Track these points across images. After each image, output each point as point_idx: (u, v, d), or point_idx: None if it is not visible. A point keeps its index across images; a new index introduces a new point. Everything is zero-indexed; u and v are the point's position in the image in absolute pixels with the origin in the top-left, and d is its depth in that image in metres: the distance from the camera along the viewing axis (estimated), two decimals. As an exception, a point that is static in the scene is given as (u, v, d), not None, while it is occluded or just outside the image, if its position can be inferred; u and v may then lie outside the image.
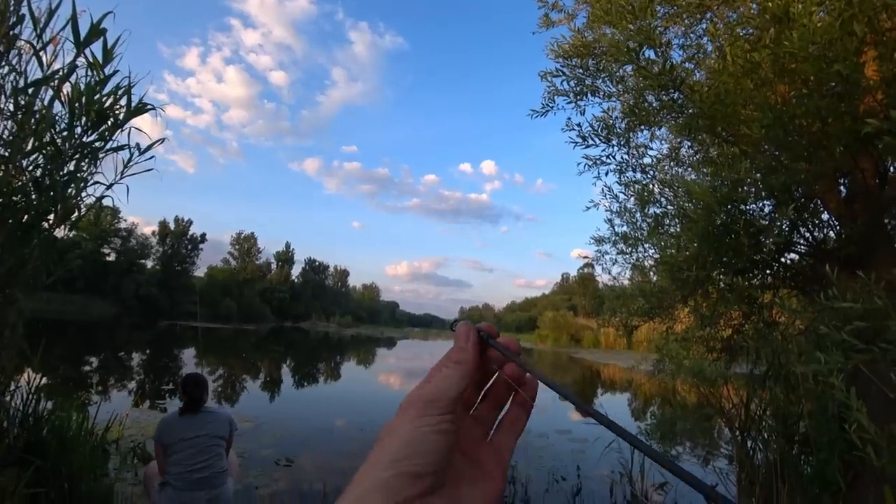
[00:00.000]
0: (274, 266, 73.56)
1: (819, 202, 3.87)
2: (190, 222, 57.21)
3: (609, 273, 4.78)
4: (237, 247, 68.78)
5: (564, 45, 4.59)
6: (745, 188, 3.64)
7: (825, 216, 3.89)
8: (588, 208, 4.95)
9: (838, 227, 3.82)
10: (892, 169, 3.73)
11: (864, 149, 3.29)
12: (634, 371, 18.85)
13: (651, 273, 4.53)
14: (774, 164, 3.65)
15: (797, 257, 3.93)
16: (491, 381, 0.42)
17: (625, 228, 4.68)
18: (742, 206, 3.67)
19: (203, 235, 58.34)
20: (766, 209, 3.93)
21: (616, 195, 4.80)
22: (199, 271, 59.56)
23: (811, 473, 2.83)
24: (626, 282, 4.91)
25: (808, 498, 2.83)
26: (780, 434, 3.17)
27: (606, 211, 4.82)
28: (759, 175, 3.44)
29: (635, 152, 4.77)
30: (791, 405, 3.17)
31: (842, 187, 3.86)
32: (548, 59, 4.87)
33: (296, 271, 78.37)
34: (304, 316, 70.45)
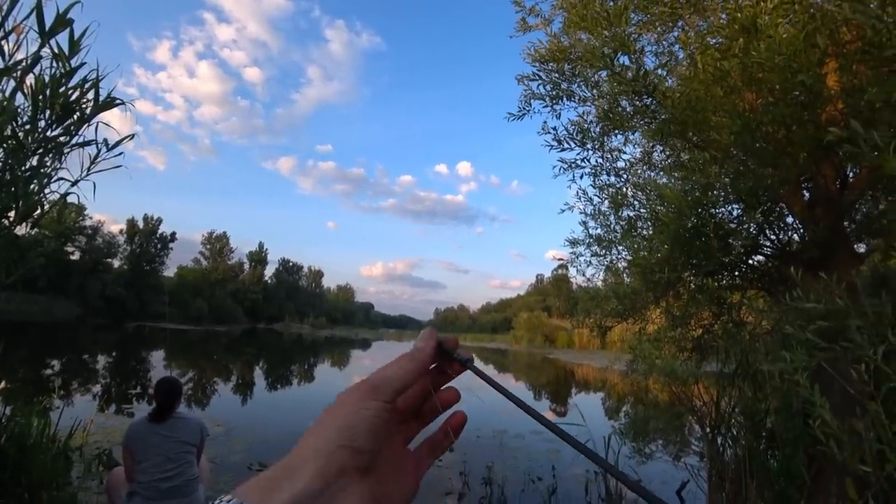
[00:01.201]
0: (247, 266, 72.26)
1: (784, 206, 4.01)
2: (159, 220, 55.79)
3: (583, 275, 4.84)
4: (209, 246, 67.27)
5: (541, 50, 4.65)
6: (715, 192, 3.75)
7: (790, 220, 4.04)
8: (563, 211, 5.02)
9: (802, 231, 3.97)
10: (851, 175, 3.89)
11: (826, 156, 3.42)
12: (608, 371, 19.16)
13: (624, 275, 4.61)
14: (742, 170, 3.76)
15: (764, 259, 4.07)
16: (431, 396, 0.45)
17: (599, 231, 4.75)
18: (712, 210, 3.77)
19: (173, 234, 56.91)
20: (735, 213, 4.05)
21: (590, 198, 4.87)
22: (169, 271, 58.10)
23: (777, 468, 2.93)
24: (600, 283, 4.99)
25: (775, 492, 2.92)
26: (748, 430, 3.27)
27: (581, 213, 4.89)
28: (727, 180, 3.54)
29: (609, 156, 4.84)
30: (758, 402, 3.27)
31: (805, 192, 4.01)
32: (524, 63, 4.92)
33: (269, 272, 77.25)
34: (277, 317, 69.36)
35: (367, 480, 0.35)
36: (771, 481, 2.97)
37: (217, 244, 67.62)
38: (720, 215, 4.04)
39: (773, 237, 3.95)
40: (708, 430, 3.48)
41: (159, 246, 55.82)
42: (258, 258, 73.75)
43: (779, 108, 3.21)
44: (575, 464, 4.99)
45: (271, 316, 68.83)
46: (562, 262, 4.58)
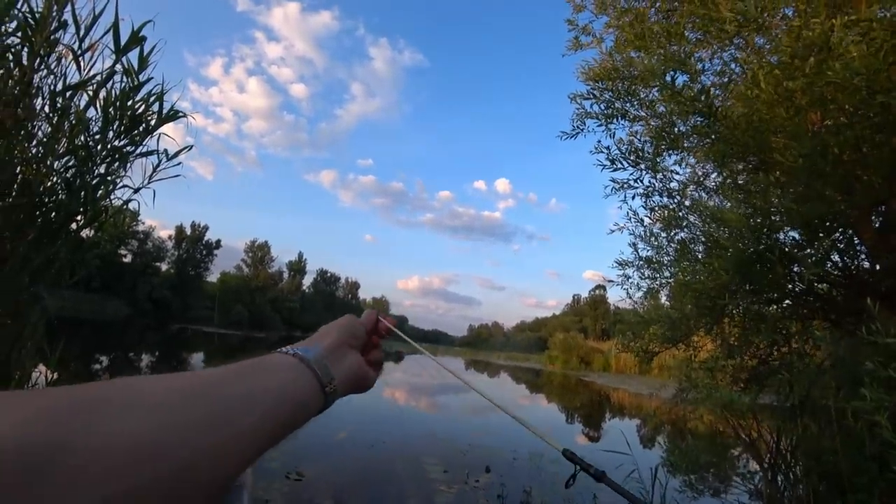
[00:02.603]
0: (286, 275, 73.94)
1: (853, 233, 3.79)
2: (206, 228, 57.91)
3: (630, 297, 4.70)
4: (250, 254, 69.25)
5: (595, 68, 4.61)
6: (777, 217, 3.58)
7: (859, 247, 3.81)
8: (612, 231, 4.90)
9: (872, 259, 3.73)
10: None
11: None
12: (651, 398, 18.49)
13: (676, 299, 4.45)
14: (808, 193, 3.58)
15: (828, 288, 3.84)
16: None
17: (649, 253, 4.62)
18: (775, 235, 3.60)
19: (218, 241, 58.98)
20: (797, 239, 3.86)
21: (641, 219, 4.76)
22: (213, 276, 60.11)
23: (847, 515, 2.72)
24: (645, 307, 4.83)
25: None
26: (812, 471, 3.06)
27: (631, 235, 4.77)
28: (792, 204, 3.37)
29: (663, 177, 4.71)
30: (825, 440, 3.06)
31: (877, 218, 3.78)
32: (574, 82, 4.88)
33: (307, 281, 78.82)
34: (313, 327, 68.15)
35: (358, 352, 0.66)
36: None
37: (258, 253, 69.57)
38: (783, 242, 3.86)
39: (840, 265, 3.73)
40: (766, 467, 3.27)
41: (204, 252, 57.93)
42: (297, 268, 75.43)
43: (852, 130, 3.05)
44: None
45: (308, 325, 69.98)
46: (611, 283, 4.46)
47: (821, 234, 3.65)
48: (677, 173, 4.85)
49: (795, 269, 3.14)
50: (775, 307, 3.46)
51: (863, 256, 3.69)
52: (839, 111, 3.22)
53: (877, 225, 3.72)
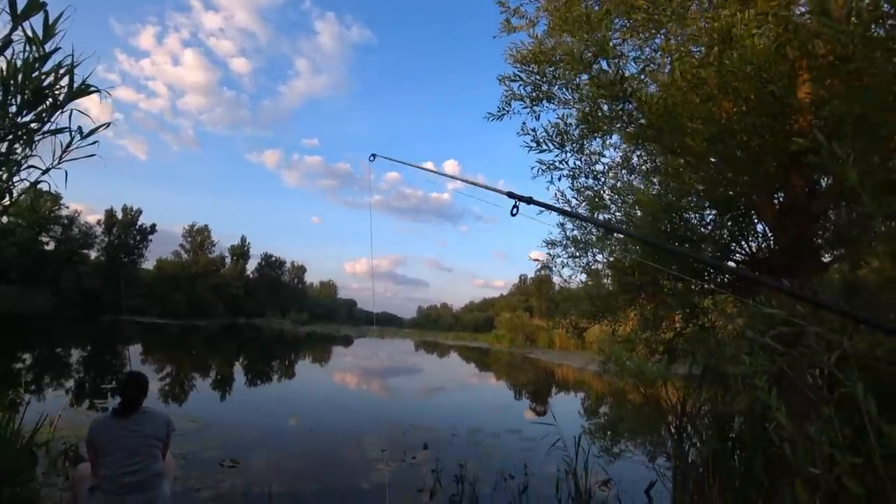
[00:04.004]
0: (228, 260, 71.19)
1: (757, 215, 4.09)
2: (139, 212, 54.59)
3: (560, 276, 4.88)
4: (189, 239, 66.02)
5: (523, 51, 4.66)
6: (689, 198, 3.80)
7: (762, 228, 4.12)
8: (541, 212, 5.05)
9: (774, 239, 4.05)
10: (821, 185, 3.98)
11: (796, 166, 3.50)
12: (584, 371, 19.35)
13: (600, 276, 4.66)
14: (717, 177, 3.82)
15: (735, 266, 4.14)
16: None
17: (576, 233, 4.79)
18: (685, 215, 3.82)
19: (153, 226, 55.74)
20: (710, 219, 4.11)
21: (568, 200, 4.91)
22: (148, 264, 56.99)
23: (739, 469, 2.99)
24: (579, 284, 5.03)
25: (735, 492, 2.98)
26: (713, 432, 3.33)
27: (558, 215, 4.93)
28: (700, 186, 3.59)
29: (588, 159, 4.87)
30: (724, 405, 3.33)
31: (778, 202, 4.10)
32: (508, 65, 4.93)
33: (251, 266, 76.27)
34: (258, 312, 68.39)
35: None
36: (733, 482, 3.04)
37: (198, 237, 66.44)
38: (694, 221, 4.11)
39: (745, 245, 4.02)
40: (674, 430, 3.54)
41: (138, 238, 54.72)
42: (240, 252, 72.71)
43: (751, 117, 3.27)
44: (547, 463, 5.01)
45: (252, 311, 67.91)
46: (537, 261, 4.61)
47: (727, 215, 3.92)
48: (604, 156, 5.03)
49: (702, 247, 3.35)
50: (685, 283, 3.70)
51: (763, 239, 3.97)
52: (742, 99, 3.44)
53: (777, 207, 4.03)
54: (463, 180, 2.32)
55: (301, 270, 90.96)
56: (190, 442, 6.00)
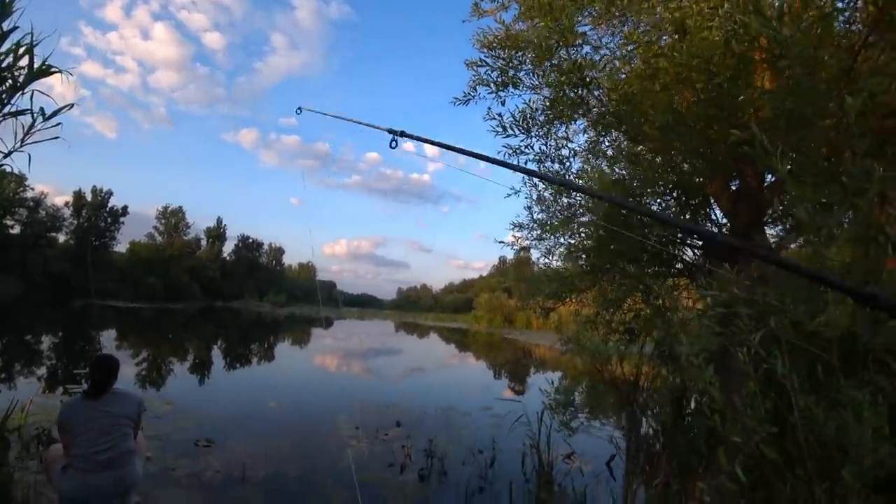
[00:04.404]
0: (204, 242, 70.00)
1: (715, 201, 4.27)
2: (109, 193, 53.12)
3: (531, 258, 5.01)
4: (163, 221, 64.61)
5: (489, 37, 4.71)
6: (649, 184, 3.94)
7: (719, 215, 4.30)
8: (509, 195, 5.17)
9: (728, 225, 4.24)
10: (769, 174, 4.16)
11: (746, 154, 3.66)
12: (551, 349, 19.80)
13: (563, 259, 4.81)
14: (674, 164, 3.97)
15: (693, 251, 4.33)
16: None
17: (542, 216, 4.91)
18: (644, 200, 3.98)
19: (125, 208, 54.36)
20: (666, 204, 4.27)
21: (535, 184, 5.02)
22: (121, 247, 55.70)
23: (684, 440, 3.20)
24: (551, 265, 5.19)
25: (681, 462, 3.20)
26: (663, 407, 3.55)
27: (527, 198, 5.05)
28: (656, 172, 3.73)
29: (555, 143, 4.97)
30: (674, 381, 3.54)
31: (732, 188, 4.28)
32: (475, 49, 4.97)
33: (228, 248, 75.17)
34: (236, 295, 67.68)
35: None
36: (679, 453, 3.26)
37: (172, 219, 65.07)
38: (654, 207, 4.27)
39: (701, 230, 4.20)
40: (627, 404, 3.75)
41: (109, 220, 53.34)
42: (216, 234, 71.53)
43: (703, 107, 3.40)
44: (514, 438, 5.22)
45: (229, 293, 67.15)
46: (503, 244, 4.73)
47: (682, 201, 4.10)
48: (571, 141, 5.14)
49: (647, 232, 3.51)
50: (639, 267, 3.87)
51: (718, 226, 4.13)
52: (696, 90, 3.58)
53: (731, 195, 4.21)
54: (347, 119, 2.76)
55: (279, 252, 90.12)
56: (164, 424, 6.06)
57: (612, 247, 3.69)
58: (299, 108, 2.93)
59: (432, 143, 1.75)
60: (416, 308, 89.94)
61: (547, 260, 5.11)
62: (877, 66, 3.14)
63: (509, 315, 41.77)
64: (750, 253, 3.04)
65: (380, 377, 12.89)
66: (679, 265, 4.22)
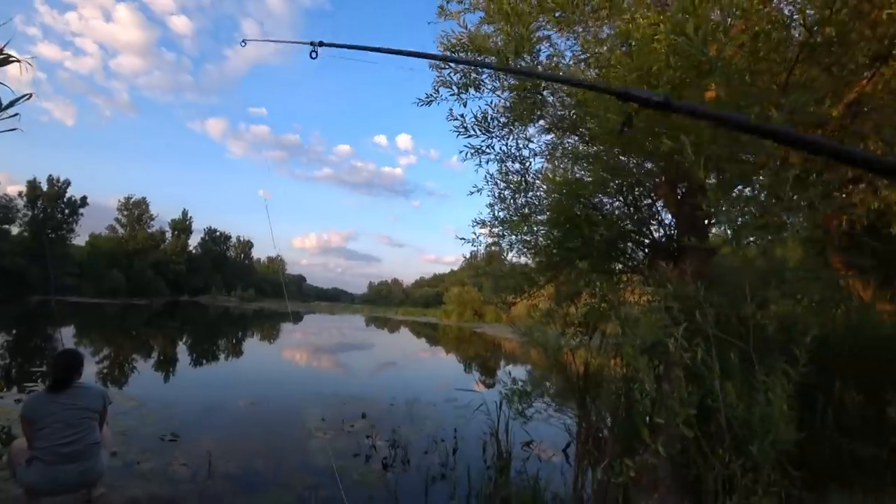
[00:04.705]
0: (169, 235, 68.16)
1: (662, 203, 4.54)
2: (67, 183, 51.01)
3: (476, 257, 5.20)
4: (126, 213, 62.53)
5: (452, 40, 4.87)
6: (595, 185, 4.17)
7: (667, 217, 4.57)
8: (472, 193, 5.36)
9: (675, 226, 4.51)
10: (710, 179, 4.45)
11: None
12: (512, 342, 20.21)
13: (522, 256, 5.02)
14: (624, 166, 4.21)
15: (643, 250, 4.60)
16: None
17: (503, 214, 5.11)
18: (592, 200, 4.21)
19: (84, 199, 52.26)
20: (616, 205, 4.51)
21: (496, 182, 5.22)
22: (80, 240, 53.68)
23: (627, 425, 3.46)
24: (508, 262, 5.39)
25: (624, 446, 3.45)
26: (610, 395, 3.80)
27: (489, 196, 5.24)
28: (604, 174, 3.97)
29: (516, 143, 5.17)
30: (620, 371, 3.79)
31: (680, 191, 4.55)
32: (439, 51, 5.12)
33: (194, 241, 73.44)
34: (202, 289, 66.25)
35: None
36: (623, 436, 3.51)
37: (135, 210, 63.03)
38: (606, 206, 4.51)
39: (651, 231, 4.46)
40: (577, 392, 4.00)
41: (67, 211, 51.32)
42: (182, 227, 69.67)
43: (644, 118, 3.63)
44: (477, 428, 5.44)
45: (196, 288, 65.70)
46: (463, 241, 4.91)
47: (634, 202, 4.35)
48: (531, 141, 5.35)
49: (596, 230, 3.73)
50: (590, 264, 4.10)
51: (668, 227, 4.38)
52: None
53: (679, 198, 4.48)
54: (267, 40, 2.74)
55: (248, 245, 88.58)
56: (129, 419, 6.04)
57: (564, 244, 3.91)
58: (243, 41, 2.49)
59: (356, 47, 1.60)
60: (386, 302, 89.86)
61: (510, 256, 5.33)
62: (801, 82, 3.45)
63: (479, 309, 42.25)
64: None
65: (349, 372, 12.97)
66: (629, 262, 4.47)
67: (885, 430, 3.04)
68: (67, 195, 51.52)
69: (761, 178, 3.52)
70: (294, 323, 36.64)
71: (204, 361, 13.80)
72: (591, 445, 3.77)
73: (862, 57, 3.35)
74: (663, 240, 4.28)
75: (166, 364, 12.37)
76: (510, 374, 4.40)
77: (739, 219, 3.61)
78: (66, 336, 16.59)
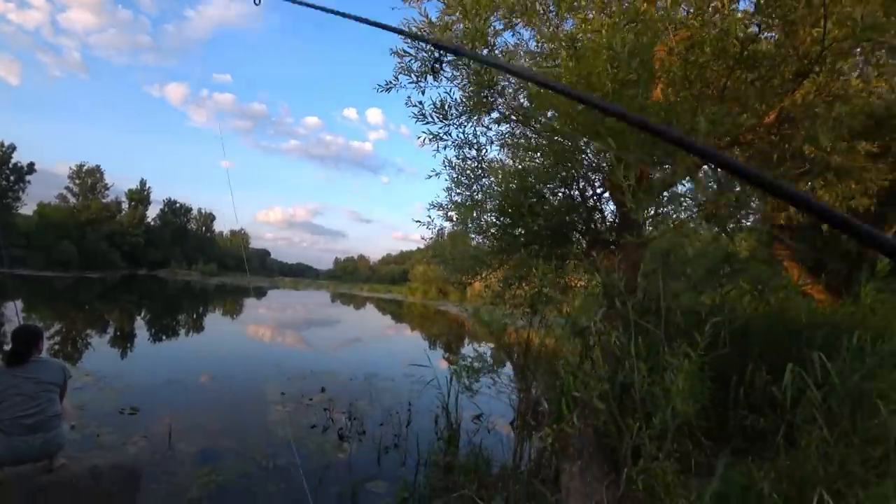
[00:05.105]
0: (125, 206, 65.51)
1: (610, 195, 4.86)
2: (12, 147, 48.12)
3: (442, 237, 5.43)
4: (78, 181, 59.52)
5: (413, 27, 5.00)
6: (542, 175, 4.45)
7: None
8: (430, 177, 5.56)
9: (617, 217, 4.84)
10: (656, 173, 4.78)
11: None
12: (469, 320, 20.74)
13: (474, 239, 5.29)
14: (565, 156, 4.48)
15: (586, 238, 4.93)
16: None
17: (459, 198, 5.35)
18: (540, 191, 4.49)
19: (31, 165, 49.46)
20: (560, 193, 4.79)
21: (454, 167, 5.43)
22: (27, 209, 51.04)
23: (557, 399, 3.80)
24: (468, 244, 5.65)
25: (555, 417, 3.80)
26: (546, 371, 4.15)
27: (447, 180, 5.45)
28: (549, 163, 4.24)
29: (473, 131, 5.37)
30: (556, 349, 4.13)
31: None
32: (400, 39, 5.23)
33: (152, 213, 70.86)
34: (161, 263, 64.28)
35: None
36: (557, 411, 3.87)
37: (88, 179, 60.08)
38: (552, 196, 4.79)
39: (593, 221, 4.78)
40: (518, 368, 4.34)
41: (13, 178, 48.65)
42: (139, 197, 66.92)
43: (585, 116, 3.90)
44: (431, 401, 5.75)
45: (155, 262, 63.67)
46: (419, 223, 5.12)
47: (577, 193, 4.65)
48: (489, 129, 5.56)
49: (535, 219, 4.02)
50: (533, 250, 4.40)
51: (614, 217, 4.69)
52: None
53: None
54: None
55: (210, 218, 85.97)
56: (86, 394, 6.09)
57: (510, 231, 4.19)
58: None
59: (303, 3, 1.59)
60: (352, 279, 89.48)
61: (467, 239, 5.59)
62: (735, 92, 3.78)
63: (443, 287, 42.76)
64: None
65: (311, 348, 13.12)
66: (574, 249, 4.79)
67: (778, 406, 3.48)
68: (13, 161, 48.72)
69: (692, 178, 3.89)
70: (257, 299, 36.28)
71: (164, 337, 13.68)
72: (530, 418, 4.12)
73: (788, 73, 3.71)
74: (605, 230, 4.60)
75: (123, 340, 12.22)
76: (461, 350, 4.70)
77: (680, 213, 3.99)
78: (11, 312, 16.05)
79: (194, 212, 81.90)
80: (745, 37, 3.43)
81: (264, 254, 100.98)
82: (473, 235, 5.59)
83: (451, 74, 5.13)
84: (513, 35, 4.96)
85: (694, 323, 3.07)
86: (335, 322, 23.26)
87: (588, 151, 4.26)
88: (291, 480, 4.11)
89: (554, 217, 4.00)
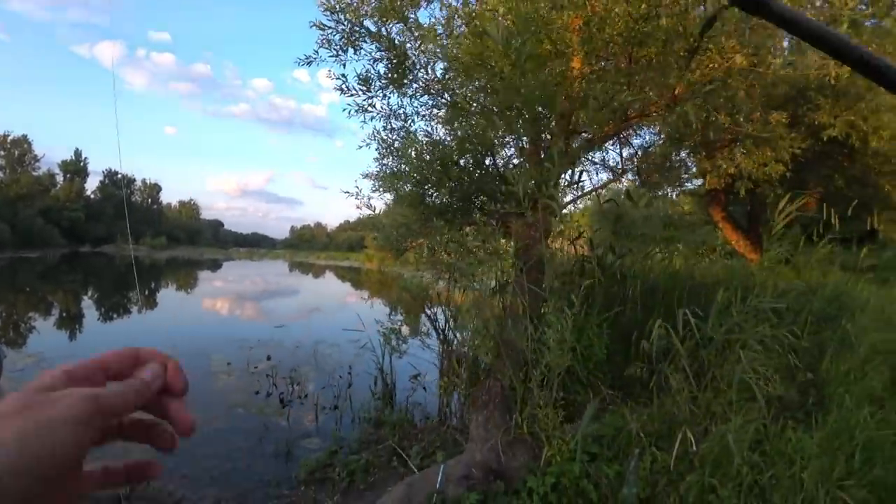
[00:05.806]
0: (60, 178, 61.82)
1: (527, 163, 5.15)
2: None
3: (370, 207, 5.61)
4: (3, 153, 55.71)
5: (331, 2, 5.03)
6: (461, 144, 4.69)
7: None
8: (360, 147, 5.71)
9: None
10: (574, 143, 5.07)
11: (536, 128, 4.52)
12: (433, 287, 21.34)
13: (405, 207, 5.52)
14: (480, 128, 4.72)
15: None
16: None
17: (386, 170, 5.53)
18: (456, 159, 4.74)
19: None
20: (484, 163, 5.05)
21: (383, 138, 5.58)
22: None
23: (473, 356, 4.19)
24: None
25: (474, 371, 4.20)
26: (464, 329, 4.53)
27: (377, 151, 5.61)
28: (466, 135, 4.48)
29: (399, 102, 5.51)
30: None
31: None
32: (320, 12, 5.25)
33: (92, 185, 67.21)
34: (106, 238, 61.43)
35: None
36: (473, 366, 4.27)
37: (15, 150, 56.09)
38: (465, 166, 5.04)
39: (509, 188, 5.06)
40: (442, 330, 4.72)
41: (-70, 153, 45.03)
42: (75, 168, 63.13)
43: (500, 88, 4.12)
44: (370, 365, 6.08)
45: (98, 237, 60.81)
46: (347, 194, 5.30)
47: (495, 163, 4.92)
48: (414, 98, 5.70)
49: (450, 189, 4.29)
50: (449, 219, 4.68)
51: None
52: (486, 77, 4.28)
53: (541, 157, 5.09)
54: None
55: (155, 189, 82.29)
56: (28, 375, 6.10)
57: (424, 201, 4.46)
58: None
59: None
60: (309, 247, 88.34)
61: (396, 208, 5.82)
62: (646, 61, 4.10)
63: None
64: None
65: (263, 318, 13.21)
66: (490, 215, 5.10)
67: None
68: (-72, 134, 44.90)
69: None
70: (212, 272, 35.56)
71: (114, 315, 13.44)
72: (451, 372, 4.51)
73: (680, 50, 4.04)
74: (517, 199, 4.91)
75: (70, 320, 11.98)
76: (389, 315, 5.00)
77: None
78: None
79: (138, 183, 78.24)
80: (639, 15, 3.73)
81: (217, 224, 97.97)
82: (397, 205, 5.83)
83: (370, 48, 5.25)
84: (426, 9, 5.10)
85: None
86: (292, 292, 23.22)
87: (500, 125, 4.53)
88: (230, 443, 4.39)
89: (467, 186, 4.27)
